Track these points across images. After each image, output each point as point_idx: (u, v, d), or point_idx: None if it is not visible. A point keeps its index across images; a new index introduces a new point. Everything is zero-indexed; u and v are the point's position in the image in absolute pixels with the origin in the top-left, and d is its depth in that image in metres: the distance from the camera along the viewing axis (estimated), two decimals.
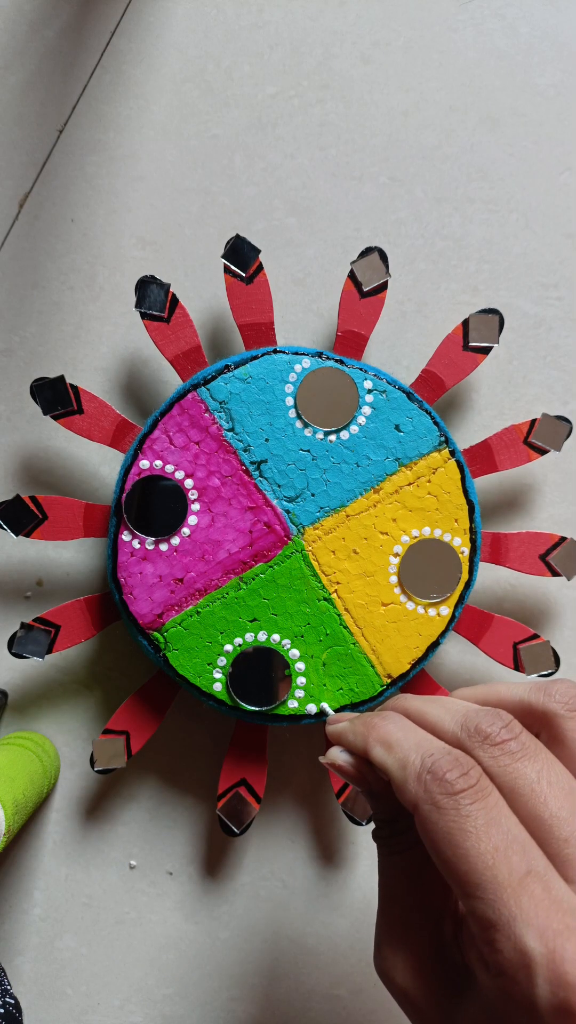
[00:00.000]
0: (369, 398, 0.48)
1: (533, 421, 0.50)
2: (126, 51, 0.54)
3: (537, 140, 0.54)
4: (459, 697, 0.34)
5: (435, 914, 0.32)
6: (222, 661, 0.47)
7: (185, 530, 0.47)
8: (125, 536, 0.47)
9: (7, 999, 0.42)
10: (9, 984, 0.44)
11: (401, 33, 0.54)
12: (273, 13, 0.54)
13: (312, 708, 0.47)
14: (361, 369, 0.48)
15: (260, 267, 0.49)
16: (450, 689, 0.53)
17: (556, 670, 0.49)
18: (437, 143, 0.54)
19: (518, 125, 0.54)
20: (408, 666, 0.48)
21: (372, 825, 0.52)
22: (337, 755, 0.34)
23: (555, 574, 0.50)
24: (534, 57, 0.54)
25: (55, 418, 0.49)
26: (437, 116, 0.54)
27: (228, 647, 0.47)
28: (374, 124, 0.54)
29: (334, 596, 0.48)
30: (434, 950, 0.31)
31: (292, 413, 0.48)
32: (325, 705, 0.46)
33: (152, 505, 0.47)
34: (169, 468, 0.48)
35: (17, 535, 0.49)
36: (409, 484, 0.48)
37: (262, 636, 0.47)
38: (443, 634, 0.48)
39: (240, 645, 0.47)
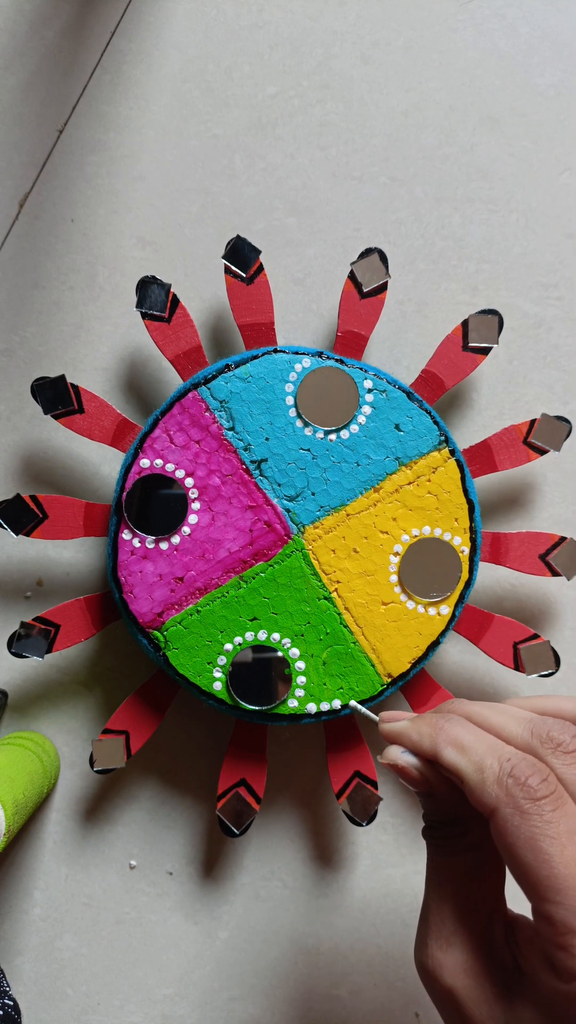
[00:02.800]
0: (369, 397, 0.48)
1: (533, 421, 0.50)
2: (126, 51, 0.54)
3: (537, 140, 0.54)
4: (516, 706, 0.34)
5: (486, 916, 0.32)
6: (222, 660, 0.47)
7: (185, 529, 0.47)
8: (125, 535, 0.47)
9: (6, 1000, 0.42)
10: (8, 986, 0.43)
11: (401, 33, 0.54)
12: (273, 13, 0.54)
13: (312, 707, 0.47)
14: (361, 369, 0.48)
15: (260, 267, 0.49)
16: (450, 689, 0.53)
17: (556, 670, 0.49)
18: (437, 143, 0.54)
19: (518, 125, 0.54)
20: (408, 665, 0.48)
21: (372, 825, 0.52)
22: (399, 755, 0.34)
23: (555, 574, 0.50)
24: (534, 57, 0.54)
25: (56, 417, 0.49)
26: (437, 116, 0.54)
27: (228, 646, 0.47)
28: (374, 124, 0.54)
29: (334, 595, 0.48)
30: (485, 951, 0.31)
31: (292, 412, 0.48)
32: (355, 703, 0.45)
33: (152, 504, 0.47)
34: (169, 467, 0.48)
35: (17, 534, 0.49)
36: (409, 483, 0.48)
37: (262, 635, 0.47)
38: (443, 633, 0.48)
39: (240, 644, 0.47)
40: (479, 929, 0.32)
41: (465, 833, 0.33)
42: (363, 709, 0.43)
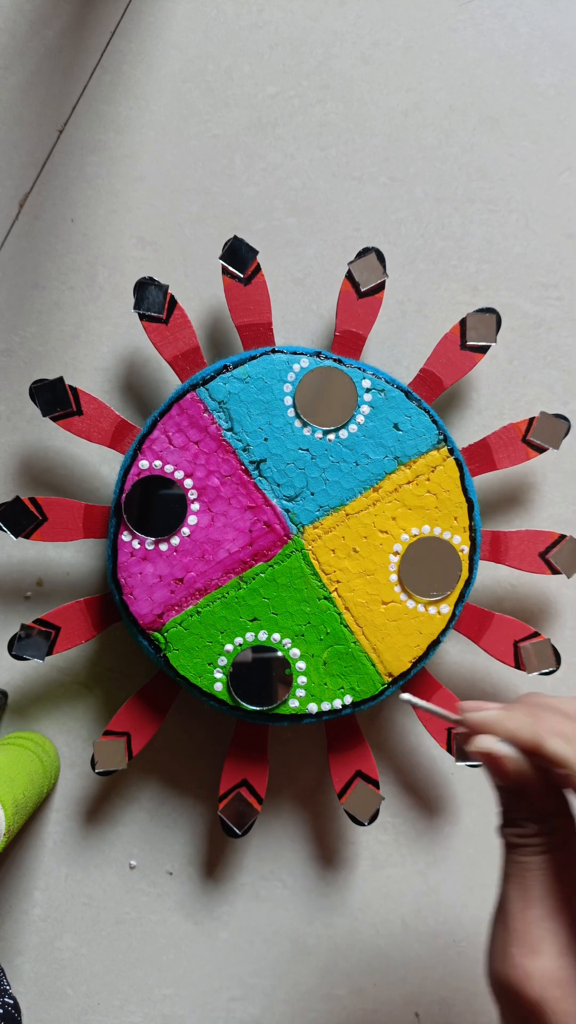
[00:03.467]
0: (368, 397, 0.48)
1: (531, 419, 0.50)
2: (126, 51, 0.54)
3: (537, 140, 0.54)
4: None
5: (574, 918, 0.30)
6: (223, 661, 0.47)
7: (185, 530, 0.47)
8: (125, 536, 0.47)
9: (6, 999, 0.42)
10: (8, 985, 0.44)
11: (401, 33, 0.54)
12: (273, 13, 0.54)
13: (313, 707, 0.47)
14: (359, 368, 0.48)
15: (258, 268, 0.49)
16: (451, 688, 0.53)
17: (557, 668, 0.49)
18: (437, 143, 0.54)
19: (518, 125, 0.54)
20: (409, 664, 0.48)
21: (373, 826, 0.52)
22: (494, 744, 0.31)
23: (555, 572, 0.50)
24: (534, 57, 0.54)
25: (54, 419, 0.49)
26: (437, 116, 0.54)
27: (229, 647, 0.47)
28: (374, 124, 0.54)
29: (334, 595, 0.48)
30: None
31: (291, 412, 0.48)
32: (407, 695, 0.40)
33: (152, 505, 0.47)
34: (168, 468, 0.48)
35: (17, 537, 0.49)
36: (408, 482, 0.48)
37: (263, 635, 0.47)
38: (444, 632, 0.48)
39: (240, 645, 0.47)
40: (570, 933, 0.30)
41: (554, 830, 0.31)
42: (424, 703, 0.37)
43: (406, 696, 0.37)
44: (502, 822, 0.32)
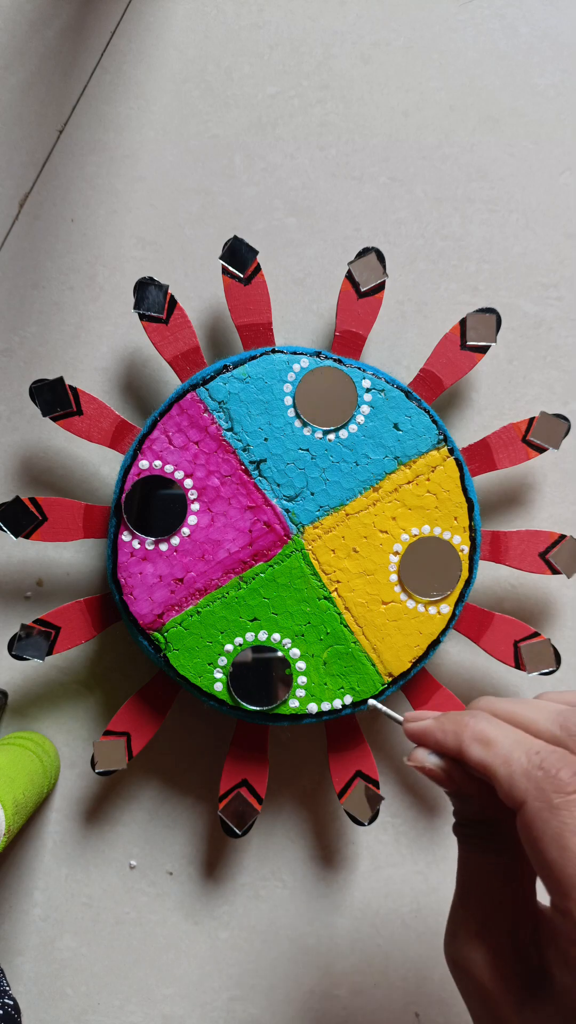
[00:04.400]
0: (368, 397, 0.48)
1: (531, 419, 0.50)
2: (126, 51, 0.54)
3: (537, 140, 0.54)
4: (547, 700, 0.33)
5: (515, 912, 0.32)
6: (223, 661, 0.47)
7: (185, 530, 0.47)
8: (125, 536, 0.47)
9: (6, 1000, 0.42)
10: (8, 985, 0.44)
11: (401, 33, 0.54)
12: (273, 13, 0.54)
13: (313, 707, 0.47)
14: (359, 368, 0.48)
15: (258, 268, 0.49)
16: (451, 688, 0.53)
17: (557, 668, 0.49)
18: (437, 143, 0.54)
19: (518, 125, 0.54)
20: (409, 664, 0.48)
21: (373, 826, 0.52)
22: (425, 757, 0.33)
23: (555, 572, 0.50)
24: (534, 57, 0.54)
25: (54, 419, 0.49)
26: (437, 116, 0.54)
27: (229, 647, 0.47)
28: (374, 124, 0.54)
29: (334, 595, 0.48)
30: (512, 947, 0.31)
31: (291, 412, 0.48)
32: (374, 702, 0.42)
33: (152, 505, 0.47)
34: (168, 468, 0.48)
35: (17, 537, 0.49)
36: (408, 482, 0.48)
37: (263, 635, 0.47)
38: (444, 632, 0.48)
39: (240, 645, 0.47)
40: (507, 926, 0.31)
41: (495, 832, 0.32)
42: (384, 709, 0.40)
43: (372, 702, 0.40)
44: (454, 820, 0.34)
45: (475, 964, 0.31)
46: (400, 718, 0.36)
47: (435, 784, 0.33)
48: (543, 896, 0.32)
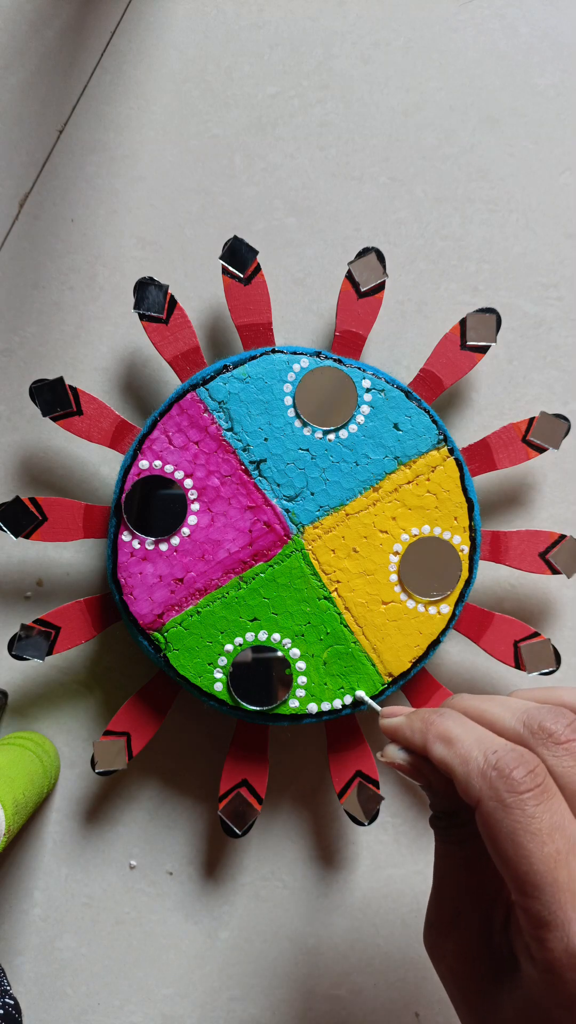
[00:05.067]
0: (368, 397, 0.48)
1: (531, 419, 0.50)
2: (126, 51, 0.54)
3: (537, 140, 0.54)
4: (518, 697, 0.34)
5: (487, 902, 0.33)
6: (223, 661, 0.47)
7: (185, 530, 0.47)
8: (125, 536, 0.47)
9: (7, 999, 0.42)
10: (9, 985, 0.44)
11: (401, 33, 0.54)
12: (273, 13, 0.54)
13: (313, 707, 0.47)
14: (359, 368, 0.48)
15: (258, 268, 0.49)
16: (451, 688, 0.53)
17: (557, 668, 0.49)
18: (437, 143, 0.54)
19: (518, 125, 0.54)
20: (409, 664, 0.48)
21: (373, 826, 0.52)
22: (395, 753, 0.34)
23: (555, 572, 0.50)
24: (534, 57, 0.54)
25: (54, 419, 0.49)
26: (437, 116, 0.54)
27: (228, 647, 0.47)
28: (374, 124, 0.54)
29: (334, 595, 0.48)
30: (483, 936, 0.32)
31: (291, 412, 0.48)
32: (362, 693, 0.44)
33: (152, 505, 0.47)
34: (168, 468, 0.48)
35: (17, 537, 0.49)
36: (408, 482, 0.48)
37: (263, 635, 0.47)
38: (444, 632, 0.48)
39: (240, 645, 0.47)
40: (478, 915, 0.32)
41: (466, 823, 0.33)
42: (369, 700, 0.43)
43: (360, 693, 0.43)
44: (431, 814, 0.35)
45: (449, 952, 0.32)
46: (380, 710, 0.38)
47: (407, 778, 0.34)
48: None
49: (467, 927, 0.32)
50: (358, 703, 0.47)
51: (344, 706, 0.48)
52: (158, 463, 0.48)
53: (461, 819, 0.33)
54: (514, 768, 0.29)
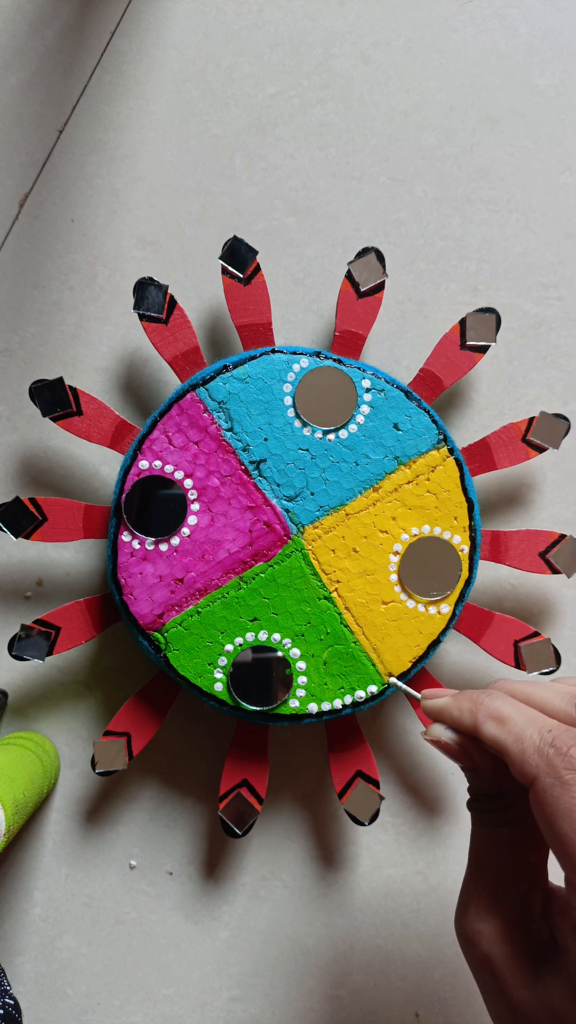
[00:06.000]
0: (368, 397, 0.48)
1: (531, 419, 0.50)
2: (126, 51, 0.54)
3: (537, 140, 0.54)
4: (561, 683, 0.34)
5: (525, 886, 0.33)
6: (223, 661, 0.47)
7: (185, 530, 0.47)
8: (125, 537, 0.47)
9: (7, 999, 0.42)
10: (9, 985, 0.44)
11: (401, 33, 0.54)
12: (273, 13, 0.54)
13: (313, 707, 0.47)
14: (359, 368, 0.48)
15: (258, 268, 0.49)
16: (451, 687, 0.53)
17: (557, 668, 0.49)
18: (437, 143, 0.54)
19: (518, 125, 0.54)
20: (409, 664, 0.48)
21: (373, 826, 0.52)
22: (441, 732, 0.34)
23: (555, 571, 0.50)
24: (534, 57, 0.54)
25: (54, 420, 0.49)
26: (437, 116, 0.54)
27: (229, 647, 0.47)
28: (374, 124, 0.54)
29: (334, 595, 0.48)
30: (522, 921, 0.32)
31: (291, 412, 0.48)
32: (394, 679, 0.45)
33: (152, 505, 0.47)
34: (168, 468, 0.48)
35: (17, 537, 0.49)
36: (408, 482, 0.48)
37: (263, 635, 0.47)
38: (444, 632, 0.48)
39: (241, 645, 0.47)
40: (518, 900, 0.32)
41: (509, 807, 0.33)
42: (403, 686, 0.43)
43: (393, 680, 0.43)
44: (469, 797, 0.35)
45: (485, 937, 0.32)
46: (418, 695, 0.37)
47: (450, 759, 0.34)
48: (554, 871, 0.32)
49: (506, 912, 0.32)
50: (384, 690, 0.47)
51: (344, 706, 0.48)
52: (158, 463, 0.48)
53: (503, 803, 0.33)
54: (572, 746, 0.29)
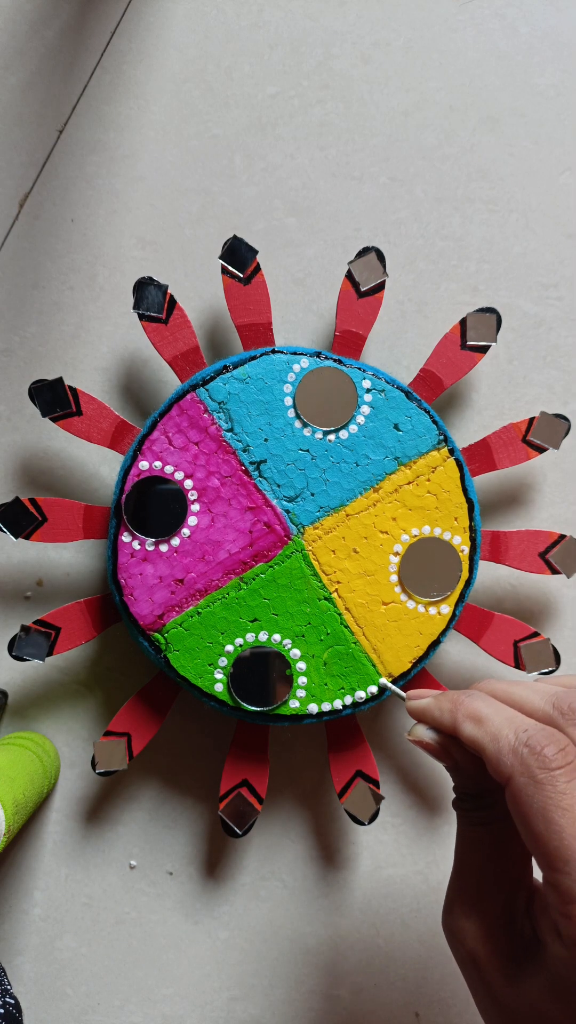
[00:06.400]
0: (368, 397, 0.48)
1: (531, 419, 0.50)
2: (126, 51, 0.54)
3: (537, 140, 0.54)
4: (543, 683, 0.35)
5: (509, 884, 0.33)
6: (223, 661, 0.47)
7: (185, 531, 0.47)
8: (125, 537, 0.47)
9: (7, 999, 0.42)
10: (9, 984, 0.44)
11: (401, 33, 0.54)
12: (273, 13, 0.54)
13: (313, 708, 0.47)
14: (359, 368, 0.48)
15: (258, 268, 0.49)
16: (451, 688, 0.53)
17: (557, 668, 0.49)
18: (437, 143, 0.54)
19: (518, 125, 0.54)
20: (409, 665, 0.48)
21: (373, 826, 0.52)
22: (423, 733, 0.35)
23: (554, 572, 0.50)
24: (534, 57, 0.54)
25: (54, 420, 0.49)
26: (437, 116, 0.54)
27: (229, 647, 0.47)
28: (374, 124, 0.54)
29: (334, 595, 0.48)
30: (505, 919, 0.32)
31: (291, 413, 0.48)
32: (384, 680, 0.45)
33: (152, 506, 0.47)
34: (168, 469, 0.48)
35: (17, 537, 0.49)
36: (408, 483, 0.48)
37: (263, 636, 0.47)
38: (444, 633, 0.48)
39: (241, 645, 0.47)
40: (501, 898, 0.33)
41: (491, 805, 0.34)
42: (392, 686, 0.44)
43: (383, 681, 0.44)
44: (454, 797, 0.35)
45: (469, 934, 0.32)
46: (404, 695, 0.38)
47: (434, 759, 0.35)
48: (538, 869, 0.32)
49: (489, 910, 0.33)
50: (381, 691, 0.47)
51: (344, 706, 0.48)
52: (158, 464, 0.48)
53: (486, 801, 0.34)
54: (546, 745, 0.29)
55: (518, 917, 0.32)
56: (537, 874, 0.34)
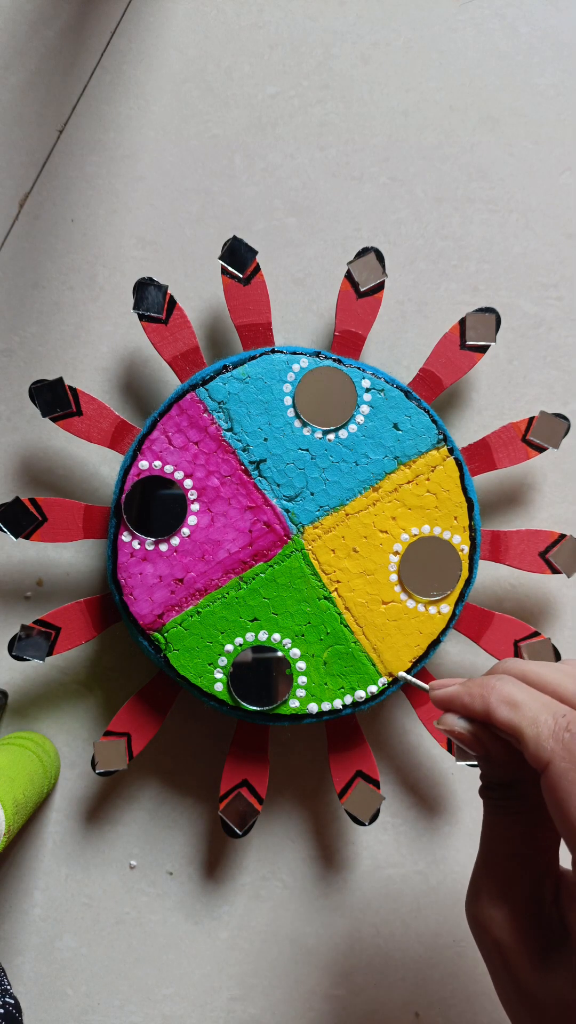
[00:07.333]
0: (367, 397, 0.48)
1: (531, 419, 0.50)
2: (126, 51, 0.54)
3: (537, 140, 0.54)
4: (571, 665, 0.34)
5: (537, 873, 0.33)
6: (223, 661, 0.47)
7: (185, 530, 0.47)
8: (125, 537, 0.47)
9: (7, 999, 0.42)
10: (9, 984, 0.44)
11: (401, 33, 0.54)
12: (273, 13, 0.54)
13: (313, 707, 0.47)
14: (359, 368, 0.48)
15: (257, 268, 0.49)
16: None
17: None
18: (437, 143, 0.54)
19: (518, 125, 0.54)
20: (409, 664, 0.48)
21: (373, 826, 0.52)
22: (453, 721, 0.34)
23: (555, 572, 0.50)
24: (534, 57, 0.54)
25: (54, 420, 0.49)
26: (437, 116, 0.54)
27: (229, 647, 0.47)
28: (374, 124, 0.54)
29: (334, 595, 0.48)
30: (533, 908, 0.32)
31: (291, 412, 0.48)
32: (403, 673, 0.45)
33: (152, 506, 0.47)
34: (168, 468, 0.48)
35: (17, 537, 0.49)
36: (408, 482, 0.48)
37: (263, 636, 0.47)
38: (444, 632, 0.48)
39: (241, 645, 0.47)
40: (528, 887, 0.32)
41: (521, 795, 0.33)
42: (411, 678, 0.43)
43: (402, 673, 0.44)
44: (480, 784, 0.35)
45: (496, 923, 0.32)
46: (426, 687, 0.37)
47: (464, 748, 0.34)
48: (566, 857, 0.32)
49: (517, 899, 0.32)
50: (397, 681, 0.47)
51: (344, 706, 0.48)
52: (158, 463, 0.48)
53: (516, 791, 0.33)
54: None
55: (546, 906, 0.32)
56: (564, 862, 0.34)
